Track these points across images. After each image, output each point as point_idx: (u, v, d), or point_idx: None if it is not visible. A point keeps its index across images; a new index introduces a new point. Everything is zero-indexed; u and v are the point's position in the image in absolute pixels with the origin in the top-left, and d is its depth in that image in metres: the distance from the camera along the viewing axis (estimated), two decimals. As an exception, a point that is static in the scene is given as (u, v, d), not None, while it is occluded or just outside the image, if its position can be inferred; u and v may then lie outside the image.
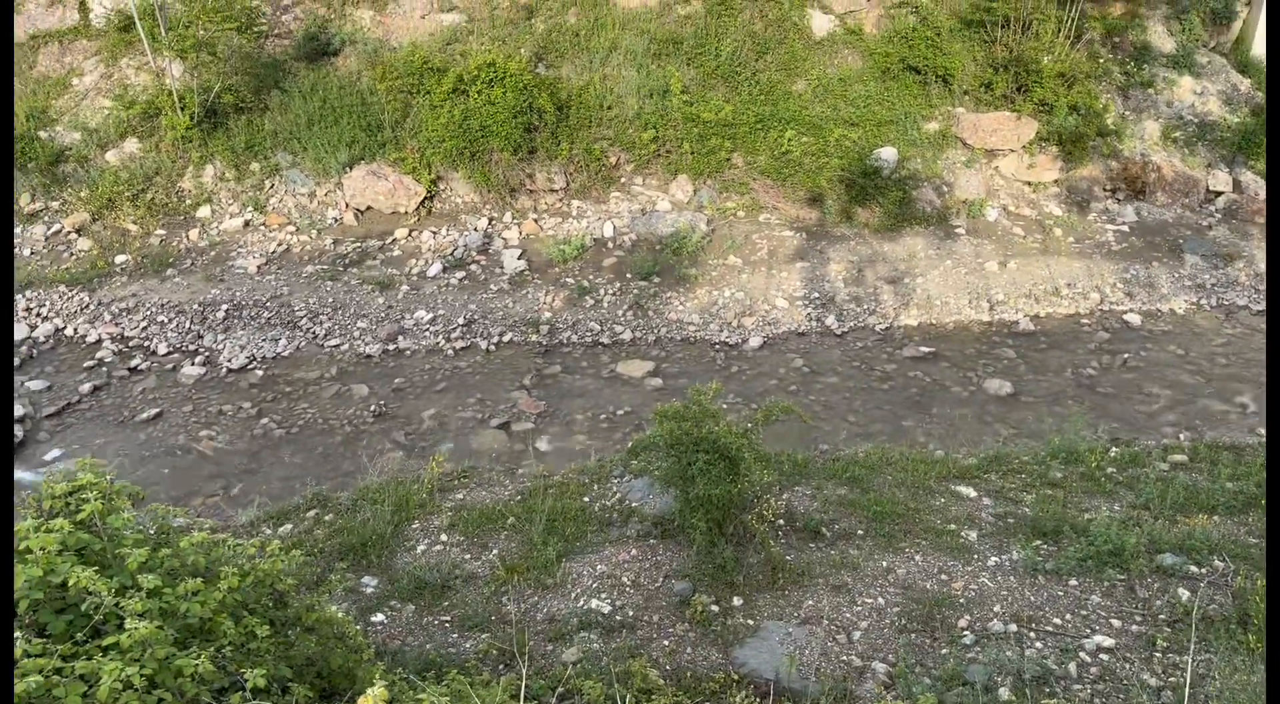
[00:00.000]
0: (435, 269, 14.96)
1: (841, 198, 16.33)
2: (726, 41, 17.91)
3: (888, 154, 16.78)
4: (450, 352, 13.44)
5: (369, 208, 16.02)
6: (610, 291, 14.71)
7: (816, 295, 14.74)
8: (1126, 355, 13.59)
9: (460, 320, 13.95)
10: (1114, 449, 10.15)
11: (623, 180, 16.83)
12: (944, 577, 7.36)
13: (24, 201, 15.62)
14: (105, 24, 17.35)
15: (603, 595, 7.18)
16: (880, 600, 7.07)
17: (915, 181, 16.70)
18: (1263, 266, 15.41)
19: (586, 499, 8.70)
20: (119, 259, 14.90)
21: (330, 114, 16.35)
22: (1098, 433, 11.21)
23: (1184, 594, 6.97)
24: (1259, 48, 19.20)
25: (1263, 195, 16.82)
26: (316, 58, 17.33)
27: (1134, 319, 14.46)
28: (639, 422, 11.87)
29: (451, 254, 15.33)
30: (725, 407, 11.43)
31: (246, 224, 15.63)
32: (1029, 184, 17.13)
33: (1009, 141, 17.08)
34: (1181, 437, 11.31)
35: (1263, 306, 14.66)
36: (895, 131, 17.22)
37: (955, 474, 9.31)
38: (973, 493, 8.86)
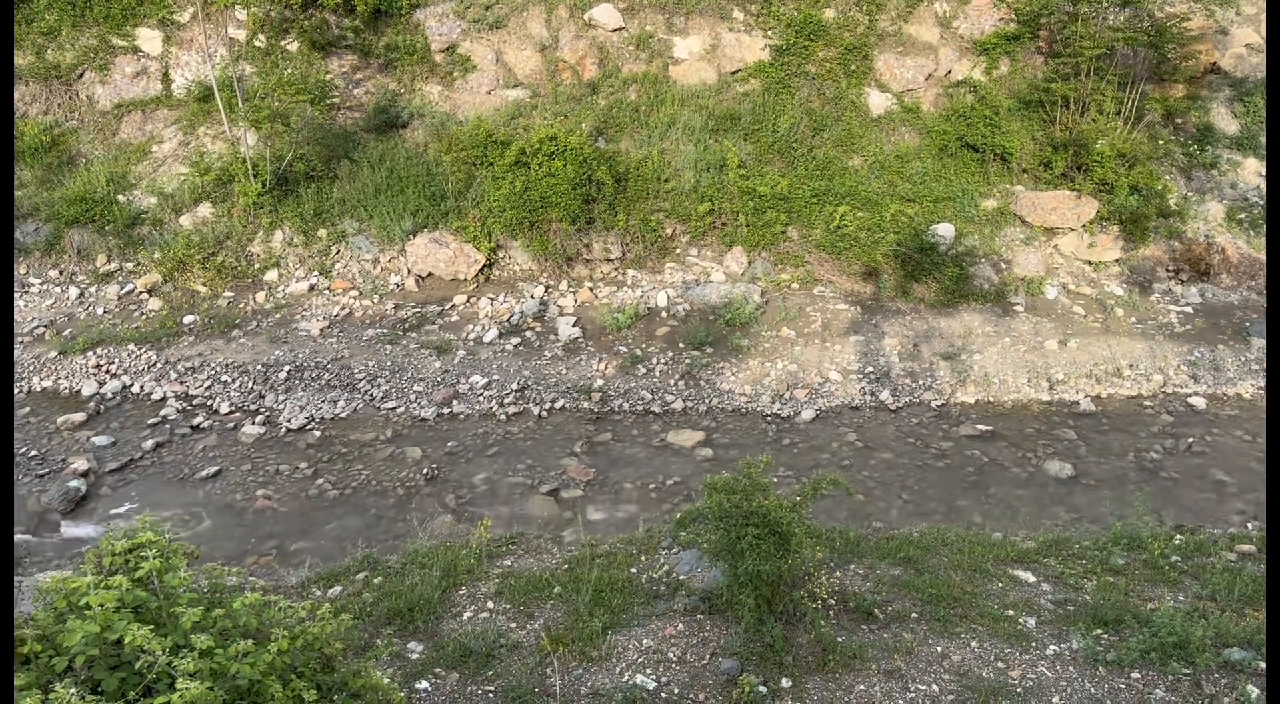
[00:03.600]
0: (491, 335, 15.18)
1: (897, 273, 16.30)
2: (784, 118, 18.18)
3: (944, 230, 16.76)
4: (503, 416, 13.55)
5: (430, 274, 16.39)
6: (663, 361, 14.76)
7: (871, 369, 14.63)
8: (1191, 439, 13.21)
9: (514, 386, 14.09)
10: (1178, 536, 9.81)
11: (678, 251, 17.01)
12: (1001, 664, 7.13)
13: (100, 262, 16.25)
14: (186, 94, 18.20)
15: (648, 671, 7.07)
16: (934, 688, 6.86)
17: (972, 258, 16.63)
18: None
19: (634, 570, 8.63)
20: (187, 319, 15.38)
21: (397, 183, 16.87)
22: (1161, 519, 10.87)
23: (1254, 691, 6.66)
24: (1326, 130, 18.94)
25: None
26: (385, 130, 17.95)
27: (1199, 402, 14.09)
28: (688, 492, 11.80)
29: (508, 320, 15.56)
30: (776, 480, 11.32)
31: (311, 288, 16.07)
32: (1089, 263, 16.95)
33: (1069, 220, 16.97)
34: (1250, 526, 10.90)
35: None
36: (952, 208, 17.23)
37: (1013, 557, 9.07)
38: (1031, 578, 8.61)
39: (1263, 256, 16.77)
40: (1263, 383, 14.48)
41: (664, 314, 15.85)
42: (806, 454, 12.90)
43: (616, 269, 16.72)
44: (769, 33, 19.02)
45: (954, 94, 18.84)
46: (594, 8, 19.06)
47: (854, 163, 17.97)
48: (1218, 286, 16.62)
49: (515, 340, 15.15)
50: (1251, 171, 18.04)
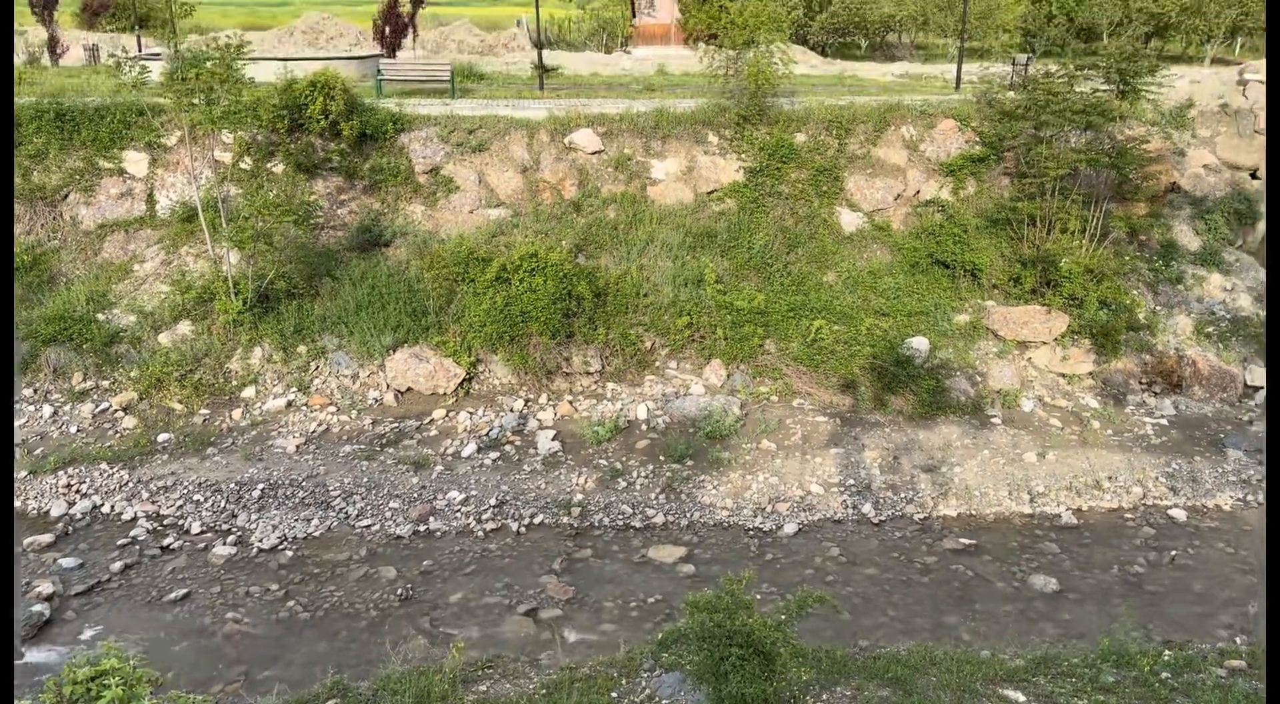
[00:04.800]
0: (470, 449, 15.08)
1: (874, 385, 16.44)
2: (759, 235, 18.64)
3: (919, 343, 17.01)
4: (480, 533, 13.33)
5: (409, 389, 16.38)
6: (643, 474, 14.67)
7: (852, 482, 14.58)
8: (1174, 552, 13.15)
9: (492, 501, 13.92)
10: (1167, 652, 9.64)
11: (657, 364, 17.13)
12: (994, 793, 6.88)
13: (76, 380, 16.15)
14: (170, 215, 18.49)
15: (629, 804, 6.77)
16: (926, 818, 6.59)
17: (948, 371, 16.83)
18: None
19: (615, 694, 8.36)
20: (161, 438, 15.22)
21: (378, 300, 17.03)
22: (1149, 635, 10.71)
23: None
24: (1284, 246, 19.59)
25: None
26: (368, 248, 18.23)
27: (1179, 514, 14.09)
28: (670, 610, 11.55)
29: (487, 434, 15.49)
30: (759, 597, 11.12)
31: (289, 404, 15.99)
32: (1063, 376, 17.18)
33: (1040, 334, 17.29)
34: (1238, 640, 10.76)
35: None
36: (926, 322, 17.53)
37: (1002, 676, 8.87)
38: (1022, 698, 8.40)
39: (1233, 368, 17.06)
40: (1242, 494, 14.52)
41: (644, 427, 15.84)
42: (790, 569, 12.71)
43: (596, 382, 16.79)
44: (743, 155, 19.69)
45: (923, 213, 19.43)
46: (574, 132, 19.71)
47: (828, 278, 18.35)
48: (1191, 399, 16.85)
49: (494, 454, 15.05)
50: (1216, 286, 18.53)
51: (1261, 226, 20.00)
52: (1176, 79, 22.77)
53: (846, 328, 17.14)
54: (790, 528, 13.61)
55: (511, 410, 16.08)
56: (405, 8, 34.21)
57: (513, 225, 18.61)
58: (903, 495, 14.38)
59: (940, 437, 15.63)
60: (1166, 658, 9.43)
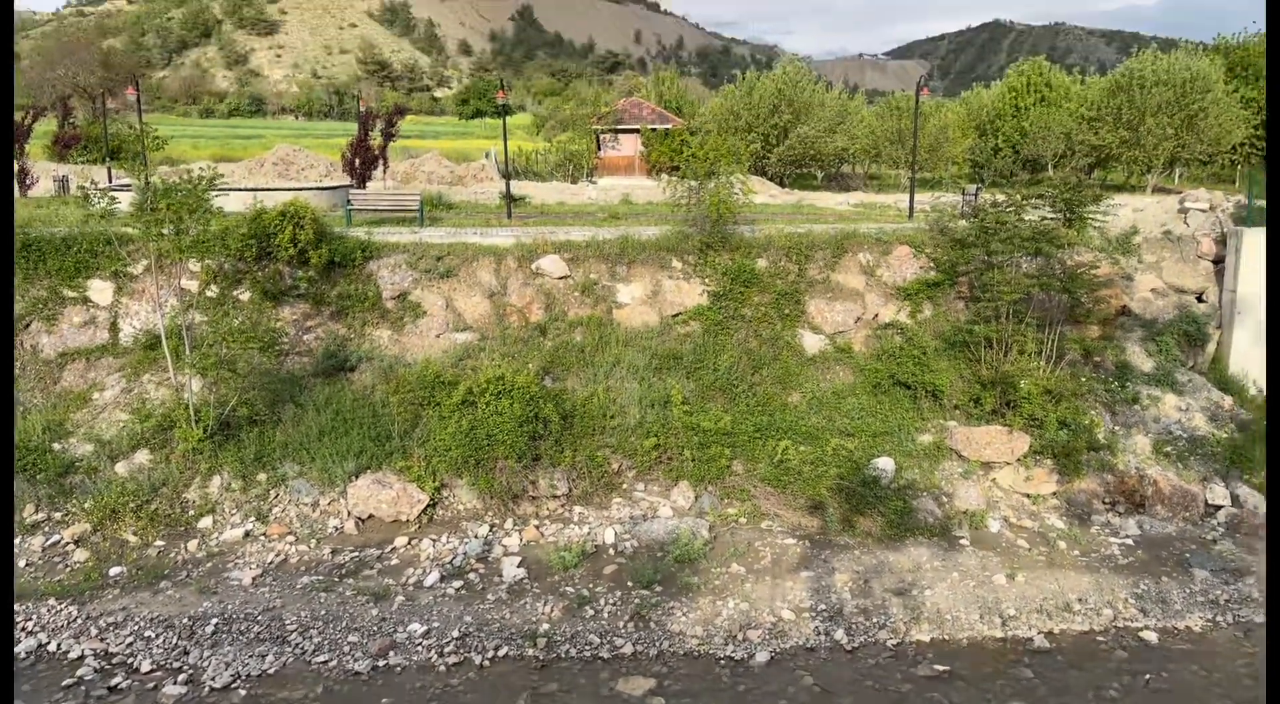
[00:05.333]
0: (433, 578, 14.71)
1: (842, 506, 16.40)
2: (724, 357, 18.89)
3: (885, 464, 17.09)
4: (442, 668, 12.87)
5: (371, 516, 16.07)
6: (610, 601, 14.35)
7: (824, 607, 14.35)
8: (1149, 676, 12.97)
9: (455, 633, 13.49)
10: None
11: (624, 486, 17.01)
12: None
13: (27, 512, 15.68)
14: (132, 343, 18.40)
15: None
16: None
17: (914, 492, 16.86)
18: (1275, 581, 15.11)
19: None
20: (114, 571, 14.71)
21: (342, 425, 16.89)
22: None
23: None
24: (1235, 366, 20.16)
25: (1262, 510, 16.88)
26: (333, 373, 18.21)
27: (1151, 637, 13.96)
28: (639, 748, 11.11)
29: (450, 562, 15.15)
30: (731, 732, 10.74)
31: (247, 534, 15.60)
32: (1028, 496, 17.28)
33: (1003, 454, 17.46)
34: (1221, 769, 10.52)
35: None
36: (891, 443, 17.66)
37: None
38: None
39: (1194, 488, 17.26)
40: (1211, 616, 14.46)
41: (611, 551, 15.59)
42: (763, 701, 12.34)
43: (563, 506, 16.59)
44: (706, 280, 20.14)
45: (883, 335, 19.85)
46: (541, 258, 20.11)
47: (793, 399, 18.53)
48: (1154, 518, 16.95)
49: (457, 583, 14.68)
50: (1171, 406, 18.92)
51: (1211, 347, 20.60)
52: (1120, 207, 23.82)
53: (813, 448, 17.21)
54: (762, 656, 13.29)
55: (476, 537, 15.79)
56: (376, 140, 35.23)
57: (480, 349, 18.73)
58: (875, 620, 14.16)
59: (910, 559, 15.52)
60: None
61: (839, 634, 13.80)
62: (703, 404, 17.97)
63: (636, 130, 46.59)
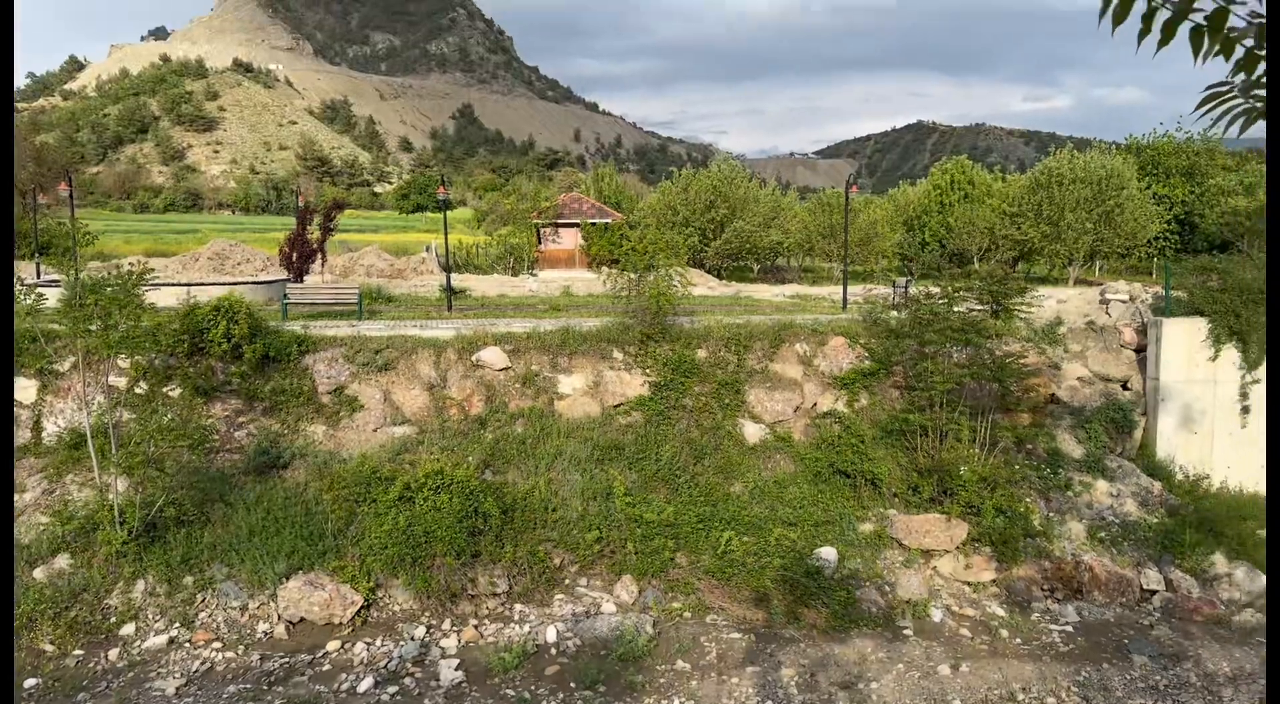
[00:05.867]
0: (366, 684, 14.12)
1: (787, 598, 16.27)
2: (666, 447, 18.87)
3: (828, 554, 17.06)
4: (376, 780, 12.27)
5: (302, 619, 15.46)
6: (552, 704, 13.90)
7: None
8: (1096, 766, 12.90)
9: (389, 742, 12.91)
10: None
11: (566, 582, 16.68)
12: None
13: (-66, 619, 14.80)
14: (56, 442, 17.75)
15: None
16: None
17: (857, 581, 16.82)
18: (1210, 667, 15.28)
19: None
20: (29, 683, 13.86)
21: (273, 524, 16.38)
22: None
23: None
24: (1162, 452, 20.73)
25: (1196, 594, 17.17)
26: (265, 470, 17.73)
27: (1096, 724, 13.94)
28: None
29: (385, 667, 14.58)
30: None
31: (171, 641, 14.88)
32: (969, 584, 17.34)
33: (943, 542, 17.57)
34: None
35: (1221, 710, 14.31)
36: (833, 532, 17.68)
37: None
38: None
39: (1129, 573, 17.51)
40: (1152, 702, 14.50)
41: (553, 650, 15.17)
42: (709, 805, 11.95)
43: (503, 604, 16.18)
44: (647, 370, 20.26)
45: (822, 424, 20.06)
46: (482, 350, 20.08)
47: (735, 489, 18.52)
48: (1092, 604, 17.11)
49: (392, 689, 14.11)
50: (1103, 492, 19.31)
51: (1138, 434, 21.19)
52: (1045, 299, 24.71)
53: (756, 539, 17.14)
54: (708, 757, 12.93)
55: (412, 638, 15.26)
56: (314, 234, 35.21)
57: (418, 443, 18.45)
58: (822, 716, 13.91)
59: (855, 650, 15.38)
60: None
61: (786, 731, 13.52)
62: (645, 495, 17.85)
63: (577, 224, 47.34)
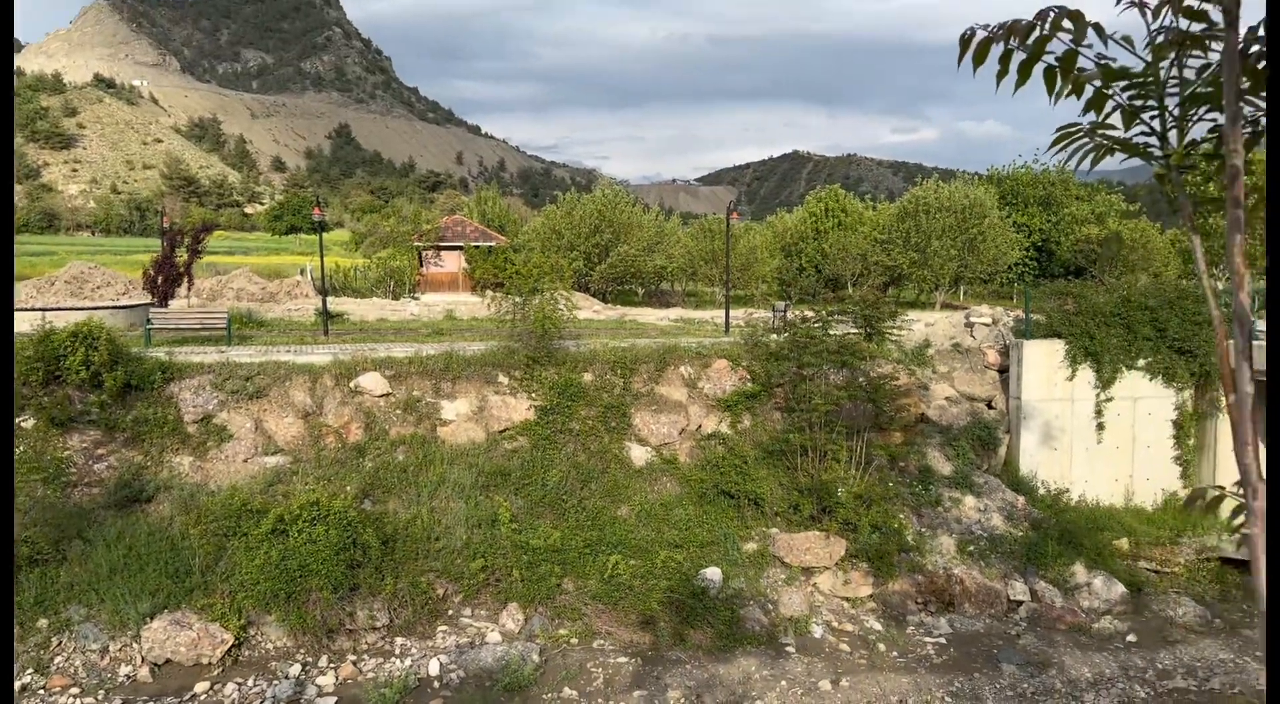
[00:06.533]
0: (238, 727, 13.47)
1: (673, 620, 16.35)
2: (553, 472, 18.75)
3: (713, 574, 17.24)
4: (248, 828, 11.68)
5: (168, 661, 14.65)
6: (436, 740, 13.56)
7: (656, 728, 14.07)
8: (970, 772, 13.37)
9: (263, 787, 12.33)
10: None
11: (450, 612, 16.33)
12: None
13: None
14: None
15: None
16: None
17: (741, 600, 17.04)
18: (1073, 674, 16.07)
19: None
20: None
21: (135, 562, 15.50)
22: None
23: None
24: (1025, 467, 21.80)
25: (1059, 603, 18.05)
26: (127, 504, 16.79)
27: (969, 732, 14.45)
28: None
29: (258, 708, 13.93)
30: None
31: (24, 689, 13.86)
32: (847, 600, 17.79)
33: (822, 559, 18.00)
34: None
35: (1082, 712, 15.06)
36: (717, 552, 17.88)
37: None
38: None
39: (997, 584, 18.29)
40: (1020, 707, 15.15)
41: (436, 684, 14.81)
42: None
43: (383, 638, 15.71)
44: (533, 394, 20.12)
45: (706, 446, 20.32)
46: (360, 376, 19.56)
47: (622, 512, 18.54)
48: (963, 615, 17.79)
49: (266, 732, 13.50)
50: (970, 508, 20.15)
51: (1002, 451, 22.23)
52: (914, 322, 25.73)
53: (643, 562, 17.18)
54: (596, 785, 12.83)
55: (287, 677, 14.64)
56: (181, 257, 33.75)
57: (292, 473, 17.80)
58: (708, 737, 13.99)
59: (739, 670, 15.55)
60: None
61: (673, 754, 13.54)
62: (532, 521, 17.68)
63: (460, 247, 46.81)
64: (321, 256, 30.21)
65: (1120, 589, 18.43)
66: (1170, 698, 15.72)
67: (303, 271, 50.98)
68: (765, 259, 53.75)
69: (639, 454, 20.00)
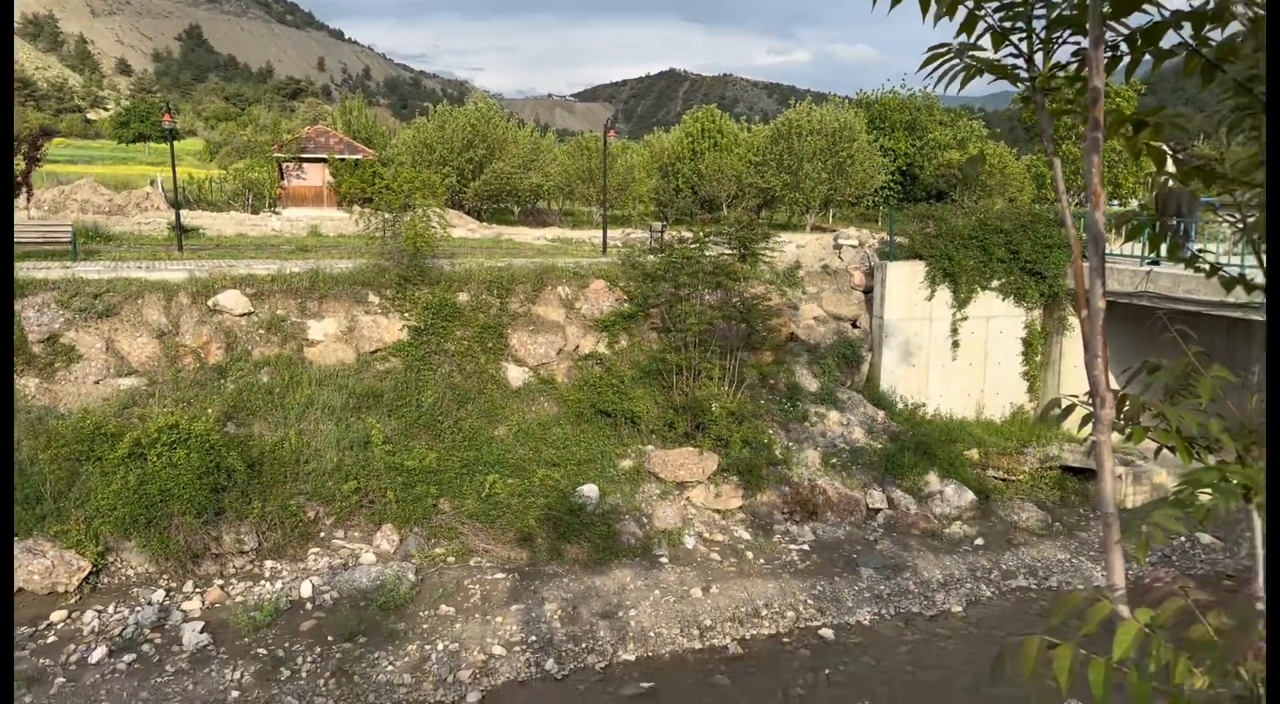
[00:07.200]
0: (99, 654, 13.06)
1: (550, 536, 16.59)
2: (428, 393, 18.51)
3: (590, 491, 17.52)
4: (113, 755, 11.45)
5: (21, 590, 14.00)
6: (309, 659, 13.49)
7: (534, 639, 14.39)
8: (828, 671, 14.24)
9: (128, 714, 12.06)
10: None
11: (322, 535, 16.12)
12: None
13: None
14: None
15: None
16: None
17: (617, 515, 17.42)
18: (925, 575, 17.20)
19: None
20: None
21: (-23, 487, 14.61)
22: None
23: None
24: (885, 384, 22.79)
25: (913, 510, 19.15)
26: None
27: (828, 634, 15.35)
28: (346, 811, 10.50)
29: (120, 634, 13.53)
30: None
31: None
32: (718, 512, 18.42)
33: (695, 474, 18.52)
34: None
35: (932, 613, 16.18)
36: (594, 470, 18.15)
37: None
38: None
39: (857, 494, 19.24)
40: (878, 609, 16.15)
41: (309, 606, 14.67)
42: (475, 742, 12.12)
43: (252, 562, 15.40)
44: (406, 315, 19.69)
45: (584, 366, 20.41)
46: (220, 294, 18.69)
47: (499, 432, 18.53)
48: (826, 524, 18.70)
49: (129, 657, 13.15)
50: (834, 422, 21.01)
51: (865, 368, 23.16)
52: (785, 244, 26.24)
53: (520, 481, 17.29)
54: (473, 697, 13.08)
55: (150, 603, 14.23)
56: (19, 165, 31.16)
57: (149, 395, 17.00)
58: (584, 645, 14.41)
59: (615, 581, 15.98)
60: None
61: (549, 664, 13.91)
62: (406, 443, 17.48)
63: (324, 160, 44.77)
64: (174, 167, 28.43)
65: (970, 496, 19.69)
66: (1013, 596, 17.05)
67: (153, 183, 47.87)
68: (642, 179, 53.56)
69: (516, 375, 19.93)
